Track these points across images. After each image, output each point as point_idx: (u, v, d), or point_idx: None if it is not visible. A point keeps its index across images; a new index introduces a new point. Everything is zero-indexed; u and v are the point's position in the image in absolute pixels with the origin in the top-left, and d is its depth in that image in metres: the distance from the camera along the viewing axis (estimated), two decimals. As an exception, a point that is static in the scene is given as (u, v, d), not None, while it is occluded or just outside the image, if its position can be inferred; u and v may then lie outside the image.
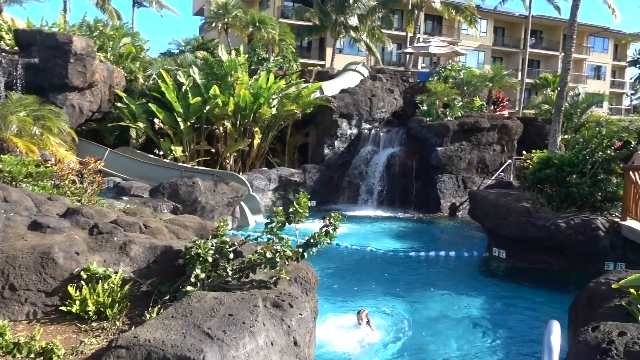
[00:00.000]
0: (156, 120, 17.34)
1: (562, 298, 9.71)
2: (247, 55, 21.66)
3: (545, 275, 11.08)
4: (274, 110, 19.39)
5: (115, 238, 4.88)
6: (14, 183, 5.89)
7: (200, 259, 4.36)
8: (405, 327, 7.97)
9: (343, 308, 8.81)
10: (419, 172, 19.52)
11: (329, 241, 4.84)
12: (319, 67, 28.20)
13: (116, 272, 4.47)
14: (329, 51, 39.47)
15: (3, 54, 14.81)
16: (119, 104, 18.27)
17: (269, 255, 4.47)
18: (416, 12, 34.68)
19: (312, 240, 4.77)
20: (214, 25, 27.46)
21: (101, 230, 4.94)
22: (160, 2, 42.62)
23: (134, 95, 19.27)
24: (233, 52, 20.94)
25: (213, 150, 19.10)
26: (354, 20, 33.21)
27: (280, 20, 36.88)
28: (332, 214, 4.99)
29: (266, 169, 19.28)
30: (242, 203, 15.75)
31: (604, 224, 10.93)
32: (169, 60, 20.65)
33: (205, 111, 18.26)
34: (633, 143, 18.57)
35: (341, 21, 32.88)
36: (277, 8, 41.34)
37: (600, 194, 12.05)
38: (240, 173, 18.81)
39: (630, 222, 10.89)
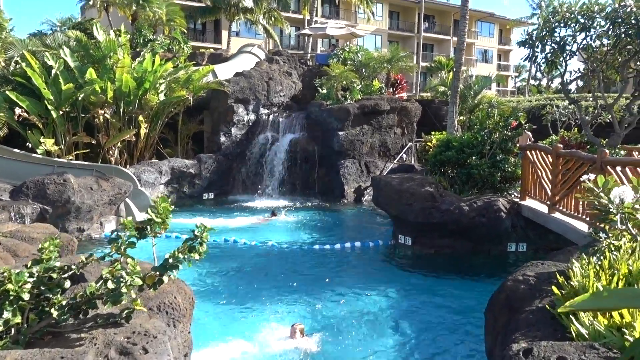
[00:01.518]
0: (17, 110, 14.96)
1: (468, 285, 9.41)
2: (129, 36, 19.55)
3: (451, 261, 10.78)
4: (161, 96, 17.65)
5: None
6: None
7: (11, 297, 3.09)
8: (310, 329, 7.12)
9: (244, 315, 7.79)
10: (321, 158, 18.82)
11: (197, 257, 3.75)
12: (211, 50, 26.55)
13: None
14: (224, 34, 37.71)
15: None
16: (-28, 92, 15.63)
17: (111, 285, 3.30)
18: (312, -7, 33.90)
19: (171, 260, 3.66)
20: (92, 3, 24.78)
21: None
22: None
23: (-7, 81, 16.65)
24: (112, 32, 18.80)
25: (94, 142, 17.01)
26: (248, 2, 31.74)
27: (173, 0, 34.52)
28: (198, 224, 3.89)
29: (156, 160, 17.59)
30: (127, 200, 14.08)
31: (505, 205, 10.79)
32: (35, 41, 18.10)
33: (80, 98, 16.12)
34: (524, 123, 19.14)
35: (235, 2, 31.28)
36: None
37: (499, 174, 11.96)
38: (127, 166, 16.99)
39: (529, 202, 10.84)
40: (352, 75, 19.96)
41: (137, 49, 21.37)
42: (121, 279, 3.32)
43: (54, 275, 3.36)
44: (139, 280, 3.42)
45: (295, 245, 11.92)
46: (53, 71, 16.30)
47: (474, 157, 12.10)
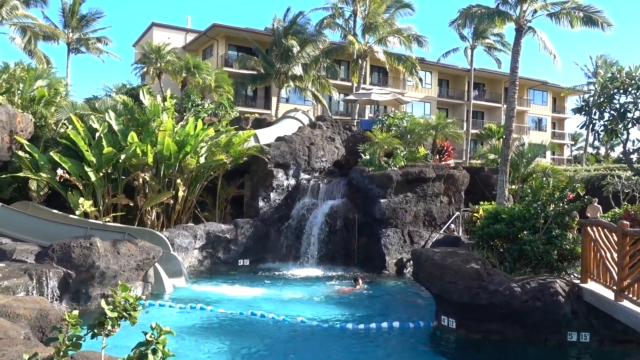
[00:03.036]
0: (59, 171, 15.10)
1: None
2: (175, 101, 19.91)
3: (501, 349, 9.47)
4: (202, 160, 17.54)
5: None
6: None
7: None
8: None
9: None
10: (362, 226, 17.96)
11: (156, 366, 2.97)
12: (256, 115, 26.81)
13: None
14: (274, 100, 38.42)
15: None
16: (20, 153, 15.97)
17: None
18: (360, 62, 34.30)
19: None
20: (145, 70, 25.77)
21: None
22: (98, 48, 40.68)
23: (41, 142, 17.04)
24: (159, 97, 19.17)
25: (132, 204, 16.91)
26: (298, 70, 32.34)
27: (225, 68, 35.71)
28: (153, 326, 3.13)
29: (192, 224, 17.24)
30: (157, 265, 13.59)
31: (564, 288, 9.50)
32: (84, 104, 18.63)
33: (121, 160, 16.19)
34: (582, 194, 17.72)
35: (285, 70, 31.95)
36: (220, 56, 40.31)
37: (556, 252, 10.71)
38: (163, 230, 16.70)
39: (591, 285, 9.53)
40: (395, 142, 19.36)
41: (184, 114, 21.73)
42: None
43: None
44: None
45: (327, 323, 10.90)
46: (97, 134, 16.54)
47: (525, 232, 10.94)
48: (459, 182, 19.36)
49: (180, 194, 17.25)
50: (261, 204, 18.56)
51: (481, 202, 17.10)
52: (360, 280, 14.86)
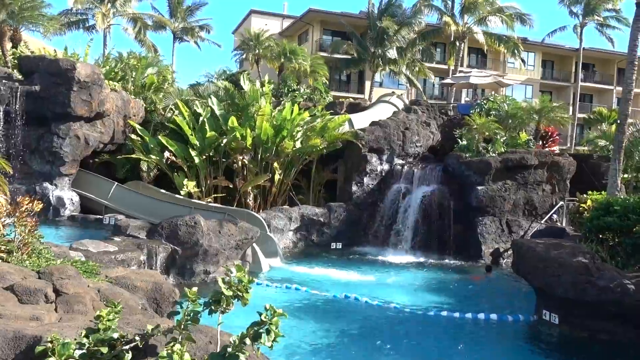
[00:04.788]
0: (166, 153, 16.14)
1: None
2: (272, 86, 20.44)
3: (610, 350, 8.86)
4: (297, 144, 17.92)
5: (-38, 322, 3.31)
6: None
7: (50, 373, 2.71)
8: None
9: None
10: (457, 213, 17.45)
11: (268, 345, 3.09)
12: (350, 99, 26.80)
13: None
14: (367, 84, 38.23)
15: (3, 81, 14.03)
16: (133, 136, 17.25)
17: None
18: (458, 44, 33.11)
19: (231, 350, 3.04)
20: (244, 56, 26.65)
21: (-53, 309, 3.39)
22: (201, 36, 42.67)
23: (151, 126, 18.28)
24: (257, 82, 19.76)
25: (231, 186, 17.71)
26: (392, 53, 31.88)
27: (319, 53, 36.05)
28: (267, 307, 3.23)
29: (287, 207, 17.70)
30: (255, 245, 14.14)
31: (686, 288, 8.66)
32: (189, 90, 19.66)
33: (222, 144, 16.96)
34: None
35: (379, 54, 31.61)
36: (315, 41, 40.66)
37: (677, 248, 9.77)
38: (260, 211, 17.32)
39: None
40: (495, 127, 18.53)
41: (281, 99, 22.27)
42: None
43: (104, 350, 2.93)
44: None
45: (420, 310, 10.79)
46: (200, 118, 17.42)
47: (642, 225, 10.07)
48: (564, 170, 18.19)
49: (277, 177, 17.76)
50: (354, 188, 18.62)
51: (589, 192, 15.97)
52: (491, 270, 14.69)
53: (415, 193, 18.14)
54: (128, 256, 10.32)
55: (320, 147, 17.91)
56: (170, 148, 16.47)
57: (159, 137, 16.86)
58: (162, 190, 16.75)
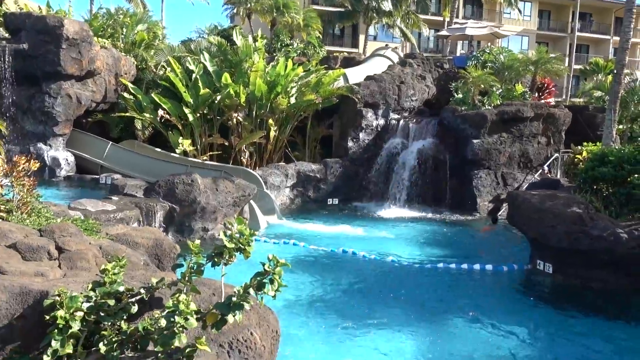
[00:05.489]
0: (160, 112, 15.96)
1: (627, 330, 7.78)
2: (265, 41, 20.04)
3: (602, 297, 9.11)
4: (292, 100, 17.74)
5: (-32, 279, 3.35)
6: None
7: (60, 325, 2.76)
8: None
9: (346, 339, 7.15)
10: (453, 167, 17.52)
11: (271, 295, 3.15)
12: (345, 53, 26.39)
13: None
14: (362, 38, 37.56)
15: (-11, 39, 13.70)
16: (125, 94, 17.00)
17: (163, 322, 2.84)
18: (453, -6, 32.38)
19: (236, 299, 3.10)
20: (235, 10, 26.02)
21: (-47, 267, 3.42)
22: (189, -9, 41.60)
23: (143, 84, 18.00)
24: (250, 37, 19.37)
25: (227, 144, 17.62)
26: (387, 5, 31.19)
27: (312, 6, 35.21)
28: (270, 257, 3.27)
29: (283, 163, 17.69)
30: (252, 202, 14.21)
31: (678, 236, 8.83)
32: (181, 47, 19.28)
33: (216, 101, 16.77)
34: None
35: (373, 6, 30.93)
36: (307, -6, 39.63)
37: (671, 196, 9.89)
38: (256, 168, 17.32)
39: None
40: (491, 79, 18.36)
41: (274, 54, 21.88)
42: (171, 319, 2.84)
43: (111, 303, 2.99)
44: (193, 322, 2.92)
45: (417, 263, 10.99)
46: (193, 75, 17.16)
47: (636, 175, 10.16)
48: (559, 122, 18.17)
49: (272, 133, 17.66)
50: (350, 144, 18.57)
51: (584, 143, 16.01)
52: (497, 221, 15.17)
53: (411, 147, 18.13)
54: (127, 215, 10.36)
55: (315, 103, 17.74)
56: (163, 106, 16.28)
57: (152, 95, 16.65)
58: (158, 149, 16.67)
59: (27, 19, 14.18)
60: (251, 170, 15.72)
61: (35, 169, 5.90)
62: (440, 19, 38.57)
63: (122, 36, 19.57)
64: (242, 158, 17.48)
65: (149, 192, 12.03)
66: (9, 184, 5.99)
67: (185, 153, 16.51)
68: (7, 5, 17.77)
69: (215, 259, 3.24)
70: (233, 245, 3.23)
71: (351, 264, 10.97)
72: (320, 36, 28.03)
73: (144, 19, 21.19)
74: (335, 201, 17.90)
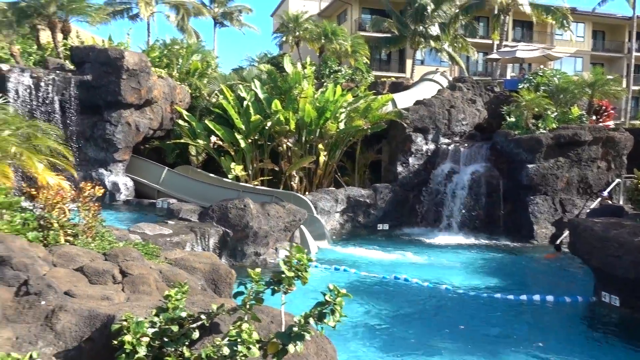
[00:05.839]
0: (213, 138, 16.38)
1: None
2: (313, 68, 20.34)
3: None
4: (341, 125, 17.84)
5: (43, 302, 3.47)
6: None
7: (127, 350, 2.80)
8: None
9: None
10: (507, 192, 17.06)
11: (332, 325, 3.09)
12: (392, 79, 26.42)
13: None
14: (409, 63, 37.55)
15: (57, 71, 14.49)
16: (180, 121, 17.57)
17: (226, 351, 2.82)
18: (502, 17, 32.00)
19: (297, 329, 3.05)
20: (284, 39, 26.60)
21: (29, 290, 3.55)
22: (240, 20, 42.99)
23: (197, 112, 18.56)
24: (299, 64, 19.71)
25: (277, 169, 17.85)
26: (434, 30, 31.13)
27: (359, 32, 35.59)
28: (331, 287, 3.22)
29: (333, 188, 17.71)
30: (302, 227, 14.25)
31: None
32: (233, 75, 19.81)
33: (267, 127, 17.07)
34: None
35: (420, 31, 30.93)
36: (354, 21, 40.17)
37: None
38: (306, 193, 17.41)
39: None
40: (545, 102, 17.88)
41: (323, 80, 22.16)
42: (234, 347, 2.82)
43: (175, 329, 3.01)
44: (255, 351, 2.90)
45: (473, 291, 10.65)
46: (245, 102, 17.56)
47: None
48: (620, 146, 17.43)
49: (322, 159, 17.77)
50: (400, 169, 18.44)
51: (648, 168, 15.25)
52: (561, 248, 14.50)
53: (462, 172, 17.81)
54: (182, 239, 10.59)
55: (364, 128, 17.77)
56: (216, 132, 16.71)
57: (206, 121, 17.13)
58: (211, 174, 17.05)
59: (91, 52, 14.98)
60: (301, 195, 15.81)
61: (100, 194, 6.11)
62: (489, 42, 38.11)
63: (177, 66, 20.32)
64: (292, 183, 17.63)
65: (203, 216, 12.27)
66: (76, 208, 6.22)
67: (237, 178, 16.80)
68: (72, 39, 18.85)
69: (275, 287, 3.22)
70: (292, 274, 3.20)
71: (403, 292, 10.75)
72: (368, 62, 28.19)
73: (198, 50, 21.95)
74: (386, 227, 17.72)
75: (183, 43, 22.51)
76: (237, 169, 16.62)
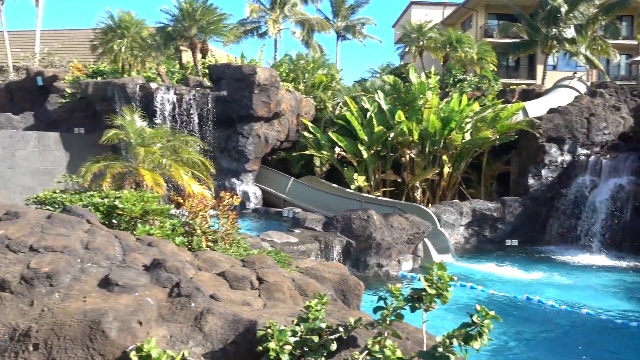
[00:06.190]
0: (337, 149, 16.70)
1: None
2: (438, 77, 19.93)
3: None
4: (467, 136, 17.24)
5: (193, 304, 3.72)
6: (132, 223, 5.31)
7: (271, 357, 2.89)
8: None
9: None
10: (657, 209, 15.27)
11: (476, 348, 2.93)
12: (522, 86, 25.01)
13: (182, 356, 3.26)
14: (539, 69, 35.32)
15: (197, 88, 15.73)
16: (305, 133, 18.17)
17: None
18: (651, 14, 28.88)
19: (441, 349, 2.93)
20: (408, 49, 26.41)
21: (180, 292, 3.83)
22: (362, 33, 43.57)
23: (322, 123, 19.07)
24: (423, 75, 19.43)
25: (400, 180, 17.70)
26: (569, 32, 28.97)
27: (485, 39, 34.29)
28: (479, 309, 3.05)
29: (458, 201, 17.13)
30: (426, 240, 13.94)
31: None
32: (357, 86, 20.08)
33: (390, 138, 17.03)
34: None
35: (553, 34, 28.95)
36: (480, 27, 38.77)
37: None
38: (429, 205, 17.05)
39: None
40: None
41: (447, 89, 21.64)
42: None
43: (315, 339, 3.05)
44: None
45: (618, 318, 9.62)
46: (368, 114, 17.68)
47: None
48: None
49: (446, 170, 17.31)
50: (531, 181, 17.33)
51: None
52: None
53: (603, 186, 16.28)
54: (308, 247, 10.88)
55: (492, 139, 17.00)
56: (340, 144, 17.01)
57: (329, 133, 17.52)
58: (334, 185, 17.37)
59: (227, 69, 16.10)
60: (425, 207, 15.50)
61: (237, 204, 6.47)
62: (633, 42, 34.67)
63: (303, 79, 21.06)
64: (414, 194, 17.37)
65: (327, 226, 12.51)
66: (214, 216, 6.65)
67: (359, 189, 16.94)
68: (209, 58, 20.39)
69: (416, 304, 3.14)
70: (434, 292, 3.10)
71: (537, 314, 10.02)
72: (495, 69, 27.01)
73: (323, 64, 22.59)
74: (515, 242, 16.72)
75: (308, 57, 23.31)
76: (359, 180, 16.76)
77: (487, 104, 18.13)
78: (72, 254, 4.04)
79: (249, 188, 17.03)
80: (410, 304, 3.25)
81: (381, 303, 3.25)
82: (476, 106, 17.41)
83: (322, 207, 15.79)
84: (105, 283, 3.83)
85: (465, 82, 21.64)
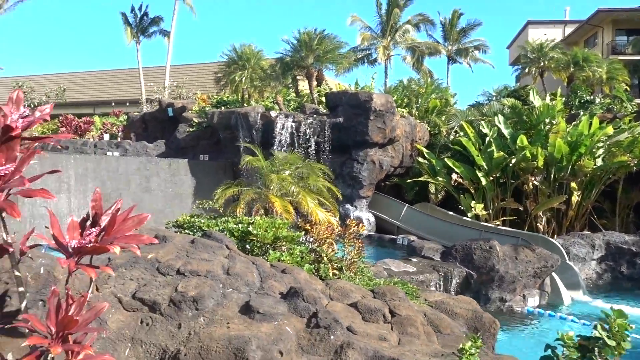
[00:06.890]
0: (453, 175, 16.12)
1: None
2: (564, 99, 18.65)
3: None
4: (598, 162, 15.86)
5: (332, 337, 3.64)
6: (264, 249, 5.41)
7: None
8: None
9: None
10: None
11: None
12: (664, 106, 22.63)
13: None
14: (679, 87, 31.97)
15: (314, 115, 16.09)
16: (419, 159, 17.81)
17: None
18: None
19: None
20: (527, 70, 25.15)
21: (319, 323, 3.77)
22: (474, 56, 42.35)
23: (436, 149, 18.61)
24: (547, 97, 18.31)
25: (521, 209, 16.66)
26: None
27: (612, 57, 31.77)
28: None
29: (588, 232, 15.72)
30: (554, 275, 12.89)
31: None
32: (473, 110, 19.39)
33: (511, 164, 16.14)
34: None
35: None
36: (606, 44, 36.04)
37: None
38: (554, 237, 15.82)
39: None
40: None
41: (572, 112, 20.21)
42: None
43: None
44: None
45: None
46: (487, 139, 16.95)
47: None
48: None
49: (574, 198, 16.01)
50: (677, 212, 15.49)
51: None
52: None
53: None
54: (426, 277, 10.49)
55: (629, 164, 15.48)
56: (456, 170, 16.44)
57: (445, 159, 17.02)
58: (450, 212, 16.78)
59: (343, 96, 16.34)
60: (551, 239, 14.41)
61: (363, 232, 6.38)
62: None
63: (417, 104, 20.78)
64: (538, 224, 16.24)
65: (445, 256, 12.02)
66: (340, 243, 6.61)
67: (477, 217, 16.19)
68: (324, 86, 20.87)
69: (592, 356, 2.79)
70: (614, 343, 2.73)
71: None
72: (628, 88, 24.82)
73: (437, 88, 22.18)
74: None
75: (420, 82, 23.02)
76: (477, 208, 16.02)
77: (623, 126, 16.59)
78: (215, 279, 4.18)
79: (363, 214, 16.95)
80: (584, 355, 2.89)
81: (549, 352, 2.92)
82: (610, 129, 16.00)
83: (437, 235, 15.26)
84: (246, 309, 3.88)
85: (597, 105, 20.03)
